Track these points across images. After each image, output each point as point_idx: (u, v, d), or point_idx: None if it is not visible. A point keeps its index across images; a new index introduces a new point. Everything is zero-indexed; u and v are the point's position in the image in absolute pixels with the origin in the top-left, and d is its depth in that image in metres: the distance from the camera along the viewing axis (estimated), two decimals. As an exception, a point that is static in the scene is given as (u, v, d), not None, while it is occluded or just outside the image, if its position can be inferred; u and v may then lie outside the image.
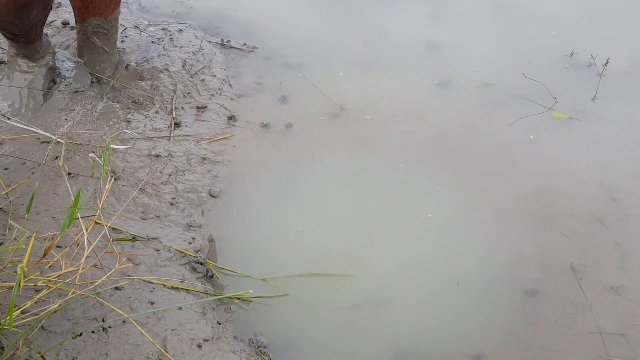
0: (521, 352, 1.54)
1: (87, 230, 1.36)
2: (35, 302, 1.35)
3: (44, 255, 1.24)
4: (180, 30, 2.41)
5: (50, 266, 1.42)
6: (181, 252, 1.64)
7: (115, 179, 1.78)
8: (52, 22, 2.34)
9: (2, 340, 1.33)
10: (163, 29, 2.40)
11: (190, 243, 1.67)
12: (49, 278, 1.36)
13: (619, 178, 1.97)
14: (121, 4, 2.11)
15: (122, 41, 2.29)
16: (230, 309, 1.58)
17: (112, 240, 1.58)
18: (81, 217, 1.39)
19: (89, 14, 2.01)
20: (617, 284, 1.69)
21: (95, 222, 1.50)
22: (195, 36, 2.39)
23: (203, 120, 2.04)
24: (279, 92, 2.19)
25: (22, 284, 1.19)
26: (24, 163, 1.78)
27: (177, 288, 1.55)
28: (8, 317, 1.17)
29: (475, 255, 1.74)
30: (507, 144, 2.07)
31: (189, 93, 2.13)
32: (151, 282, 1.54)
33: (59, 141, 1.77)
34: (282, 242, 1.73)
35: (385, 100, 2.19)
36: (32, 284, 1.38)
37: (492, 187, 1.93)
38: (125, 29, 2.35)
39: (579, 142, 2.09)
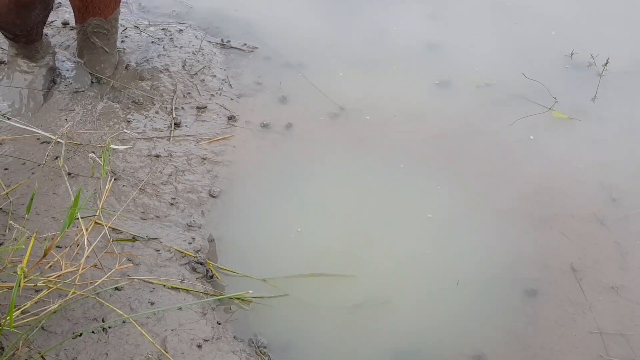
0: (521, 352, 1.54)
1: (87, 230, 1.36)
2: (35, 303, 1.35)
3: (44, 255, 1.24)
4: (180, 31, 2.41)
5: (50, 266, 1.42)
6: (181, 252, 1.64)
7: (115, 179, 1.78)
8: (52, 22, 2.34)
9: (2, 340, 1.33)
10: (163, 29, 2.40)
11: (190, 243, 1.67)
12: (49, 278, 1.36)
13: (619, 178, 1.97)
14: (121, 4, 2.11)
15: (122, 41, 2.29)
16: (230, 309, 1.58)
17: (112, 241, 1.58)
18: (81, 218, 1.39)
19: (89, 14, 2.01)
20: (617, 284, 1.68)
21: (95, 222, 1.50)
22: (195, 36, 2.39)
23: (203, 121, 2.04)
24: (279, 92, 2.19)
25: (22, 284, 1.19)
26: (24, 163, 1.78)
27: (177, 288, 1.55)
28: (8, 318, 1.17)
29: (475, 255, 1.74)
30: (507, 144, 2.07)
31: (189, 93, 2.13)
32: (151, 283, 1.54)
33: (59, 141, 1.77)
34: (282, 242, 1.73)
35: (385, 100, 2.19)
36: (32, 284, 1.38)
37: (492, 187, 1.93)
38: (125, 29, 2.35)
39: (579, 142, 2.09)
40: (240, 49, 2.38)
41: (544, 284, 1.68)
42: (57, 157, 1.80)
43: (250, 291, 1.57)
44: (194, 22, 2.49)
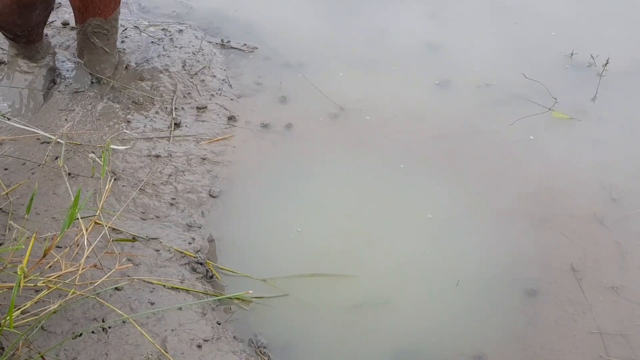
0: (521, 352, 1.54)
1: (87, 230, 1.36)
2: (35, 303, 1.35)
3: (44, 255, 1.24)
4: (180, 31, 2.41)
5: (50, 266, 1.42)
6: (181, 252, 1.64)
7: (115, 180, 1.78)
8: (52, 22, 2.34)
9: (2, 340, 1.33)
10: (163, 29, 2.40)
11: (190, 243, 1.67)
12: (49, 278, 1.36)
13: (619, 178, 1.97)
14: (121, 4, 2.11)
15: (122, 41, 2.29)
16: (230, 309, 1.58)
17: (112, 241, 1.58)
18: (81, 218, 1.39)
19: (89, 14, 2.01)
20: (617, 284, 1.68)
21: (95, 223, 1.50)
22: (195, 36, 2.39)
23: (203, 121, 2.04)
24: (279, 92, 2.19)
25: (22, 284, 1.19)
26: (24, 163, 1.78)
27: (177, 288, 1.55)
28: (8, 318, 1.17)
29: (475, 255, 1.74)
30: (507, 144, 2.07)
31: (189, 93, 2.13)
32: (151, 283, 1.54)
33: (59, 141, 1.77)
34: (282, 242, 1.73)
35: (385, 100, 2.19)
36: (32, 285, 1.38)
37: (492, 187, 1.93)
38: (125, 30, 2.35)
39: (579, 142, 2.09)
40: (240, 49, 2.38)
41: (544, 284, 1.68)
42: (57, 157, 1.80)
43: (250, 291, 1.57)
44: (194, 22, 2.49)
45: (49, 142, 1.84)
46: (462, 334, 1.57)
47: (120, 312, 1.40)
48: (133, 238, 1.63)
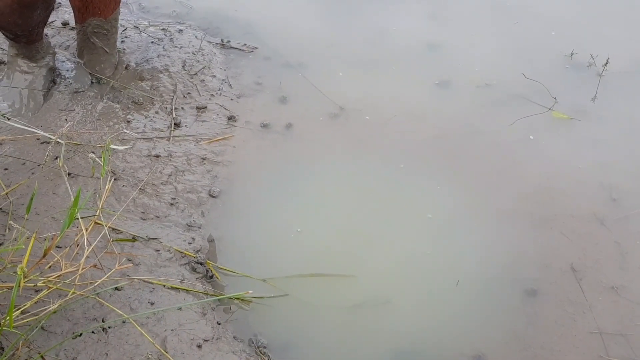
0: (521, 352, 1.54)
1: (87, 230, 1.36)
2: (35, 303, 1.35)
3: (44, 255, 1.24)
4: (180, 31, 2.41)
5: (50, 266, 1.42)
6: (181, 252, 1.64)
7: (115, 179, 1.78)
8: (52, 22, 2.34)
9: (2, 340, 1.33)
10: (163, 29, 2.40)
11: (190, 243, 1.67)
12: (49, 278, 1.36)
13: (619, 178, 1.97)
14: (121, 4, 2.11)
15: (122, 41, 2.29)
16: (230, 309, 1.58)
17: (112, 241, 1.58)
18: (81, 218, 1.39)
19: (89, 14, 2.01)
20: (617, 284, 1.68)
21: (95, 223, 1.50)
22: (195, 36, 2.39)
23: (203, 121, 2.04)
24: (279, 92, 2.19)
25: (22, 284, 1.19)
26: (24, 163, 1.78)
27: (177, 288, 1.55)
28: (8, 318, 1.17)
29: (475, 255, 1.74)
30: (507, 144, 2.07)
31: (188, 93, 2.13)
32: (151, 283, 1.54)
33: (58, 141, 1.77)
34: (282, 242, 1.73)
35: (385, 100, 2.19)
36: (32, 285, 1.38)
37: (492, 187, 1.93)
38: (125, 30, 2.35)
39: (579, 142, 2.09)
40: (240, 49, 2.38)
41: (544, 284, 1.68)
42: (57, 157, 1.80)
43: (250, 291, 1.57)
44: (194, 22, 2.49)
45: (49, 142, 1.84)
46: (462, 334, 1.57)
47: (120, 312, 1.40)
48: (133, 238, 1.63)
